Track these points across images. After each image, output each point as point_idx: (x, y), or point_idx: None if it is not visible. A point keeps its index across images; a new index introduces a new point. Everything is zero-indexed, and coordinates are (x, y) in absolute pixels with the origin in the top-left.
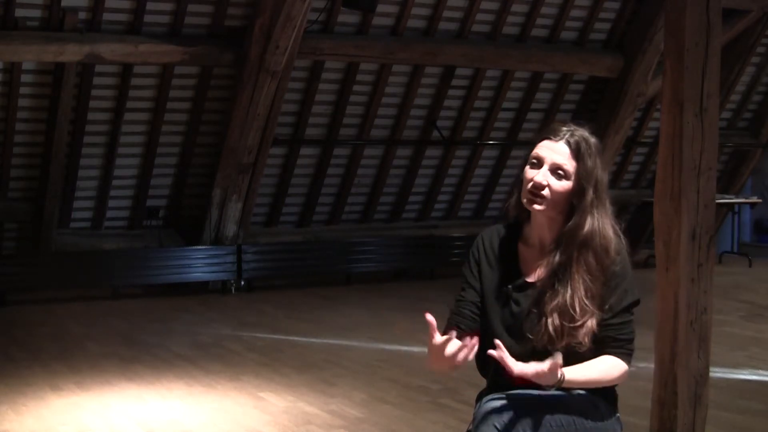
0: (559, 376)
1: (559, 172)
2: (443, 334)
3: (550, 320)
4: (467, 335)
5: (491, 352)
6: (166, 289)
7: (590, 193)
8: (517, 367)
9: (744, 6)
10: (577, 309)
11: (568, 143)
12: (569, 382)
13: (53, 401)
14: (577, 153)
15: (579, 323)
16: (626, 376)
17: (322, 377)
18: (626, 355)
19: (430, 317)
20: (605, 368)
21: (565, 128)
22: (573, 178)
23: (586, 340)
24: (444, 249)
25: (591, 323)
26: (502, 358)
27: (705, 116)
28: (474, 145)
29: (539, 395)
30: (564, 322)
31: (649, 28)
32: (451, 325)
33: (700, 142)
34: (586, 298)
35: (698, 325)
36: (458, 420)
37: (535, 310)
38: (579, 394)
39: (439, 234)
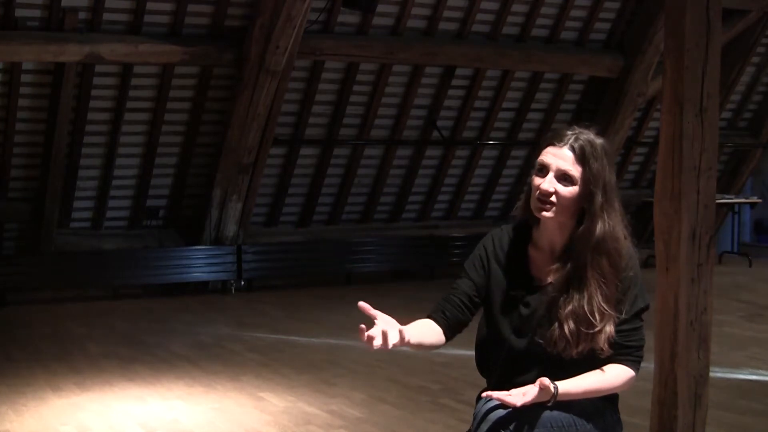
0: (552, 390)
1: (566, 177)
2: (428, 317)
3: (565, 326)
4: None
5: (490, 393)
6: (166, 289)
7: (599, 197)
8: (519, 401)
9: (744, 6)
10: (596, 315)
11: (572, 148)
12: (564, 394)
13: (53, 401)
14: (581, 157)
15: (598, 329)
16: (633, 383)
17: (322, 377)
18: (634, 362)
19: (362, 304)
20: (606, 378)
21: (569, 132)
22: (579, 182)
23: (606, 346)
24: (444, 249)
25: (610, 328)
26: (500, 398)
27: (705, 116)
28: (474, 145)
29: None
30: (581, 328)
31: (649, 28)
32: (436, 310)
33: (700, 142)
34: (604, 302)
35: (698, 325)
36: (458, 420)
37: (547, 315)
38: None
39: (439, 234)
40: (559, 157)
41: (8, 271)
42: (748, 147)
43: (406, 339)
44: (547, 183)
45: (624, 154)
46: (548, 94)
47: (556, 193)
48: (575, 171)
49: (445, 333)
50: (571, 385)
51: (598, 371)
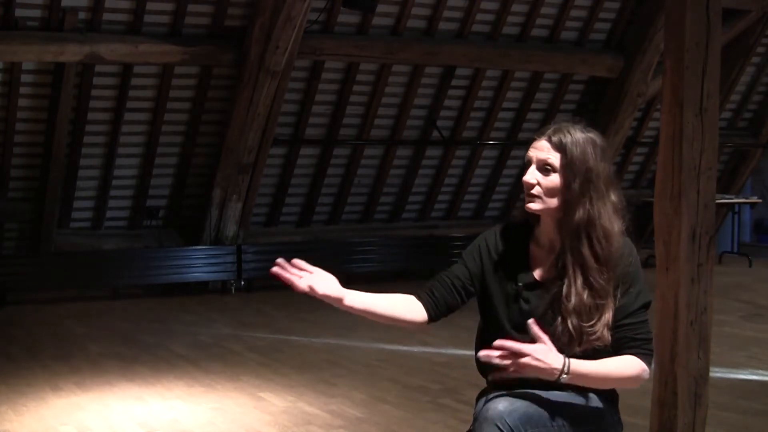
0: (563, 361)
1: (546, 167)
2: (414, 294)
3: (569, 321)
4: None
5: (483, 353)
6: (166, 289)
7: (578, 182)
8: (517, 346)
9: (744, 6)
10: (591, 308)
11: (549, 138)
12: (575, 372)
13: (53, 401)
14: (558, 144)
15: (594, 321)
16: (646, 377)
17: (322, 377)
18: (645, 355)
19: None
20: (618, 365)
21: (551, 126)
22: (560, 170)
23: (605, 332)
24: (444, 249)
25: (606, 316)
26: (502, 345)
27: (705, 116)
28: (474, 145)
29: (541, 395)
30: (582, 323)
31: (649, 28)
32: (425, 288)
33: (700, 142)
34: (589, 290)
35: (698, 325)
36: (458, 420)
37: (549, 311)
38: (581, 397)
39: (439, 234)
40: (538, 148)
41: (8, 271)
42: (748, 147)
43: (346, 301)
44: (529, 175)
45: (624, 154)
46: (548, 94)
47: (538, 184)
48: (554, 159)
49: (428, 311)
50: (584, 365)
51: (610, 359)
